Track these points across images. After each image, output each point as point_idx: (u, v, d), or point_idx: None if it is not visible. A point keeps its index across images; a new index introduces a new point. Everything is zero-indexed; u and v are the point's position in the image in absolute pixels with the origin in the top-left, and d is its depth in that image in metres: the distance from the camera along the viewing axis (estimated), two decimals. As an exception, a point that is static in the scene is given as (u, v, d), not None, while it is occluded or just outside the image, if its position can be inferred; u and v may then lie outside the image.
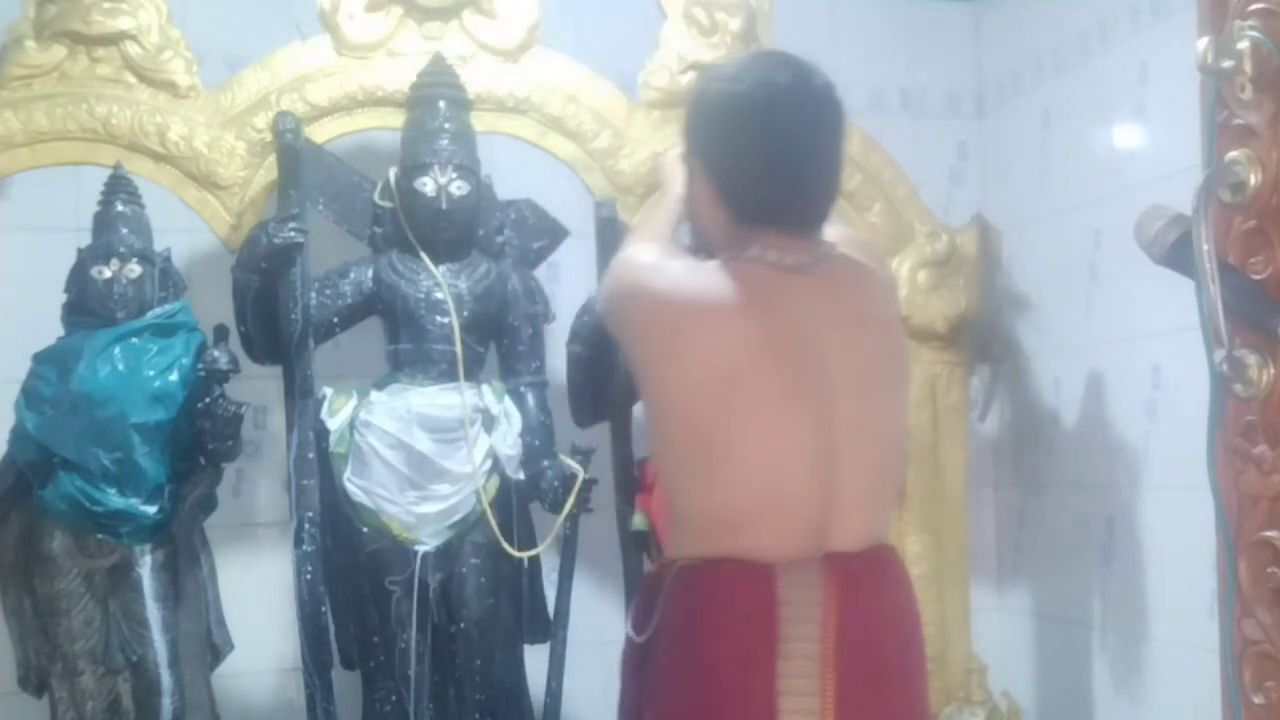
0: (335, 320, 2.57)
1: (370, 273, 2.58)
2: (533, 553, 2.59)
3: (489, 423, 2.54)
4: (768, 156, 1.52)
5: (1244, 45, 1.37)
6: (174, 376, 2.46)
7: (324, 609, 2.45)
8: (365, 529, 2.49)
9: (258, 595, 2.76)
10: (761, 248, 1.53)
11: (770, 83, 1.52)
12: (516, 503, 2.58)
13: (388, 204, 2.60)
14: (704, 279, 1.53)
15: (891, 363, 1.63)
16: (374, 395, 2.53)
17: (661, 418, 1.56)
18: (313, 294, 2.49)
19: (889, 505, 1.66)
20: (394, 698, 2.51)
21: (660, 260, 1.58)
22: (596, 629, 2.82)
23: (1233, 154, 1.40)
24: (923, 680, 1.63)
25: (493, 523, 2.50)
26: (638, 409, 2.65)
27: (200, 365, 2.46)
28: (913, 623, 1.61)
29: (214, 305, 2.53)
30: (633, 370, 1.60)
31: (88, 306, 2.49)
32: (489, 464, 2.53)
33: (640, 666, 1.59)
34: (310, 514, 2.43)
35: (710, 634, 1.51)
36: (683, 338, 1.50)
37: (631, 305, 1.58)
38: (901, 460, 1.69)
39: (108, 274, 2.48)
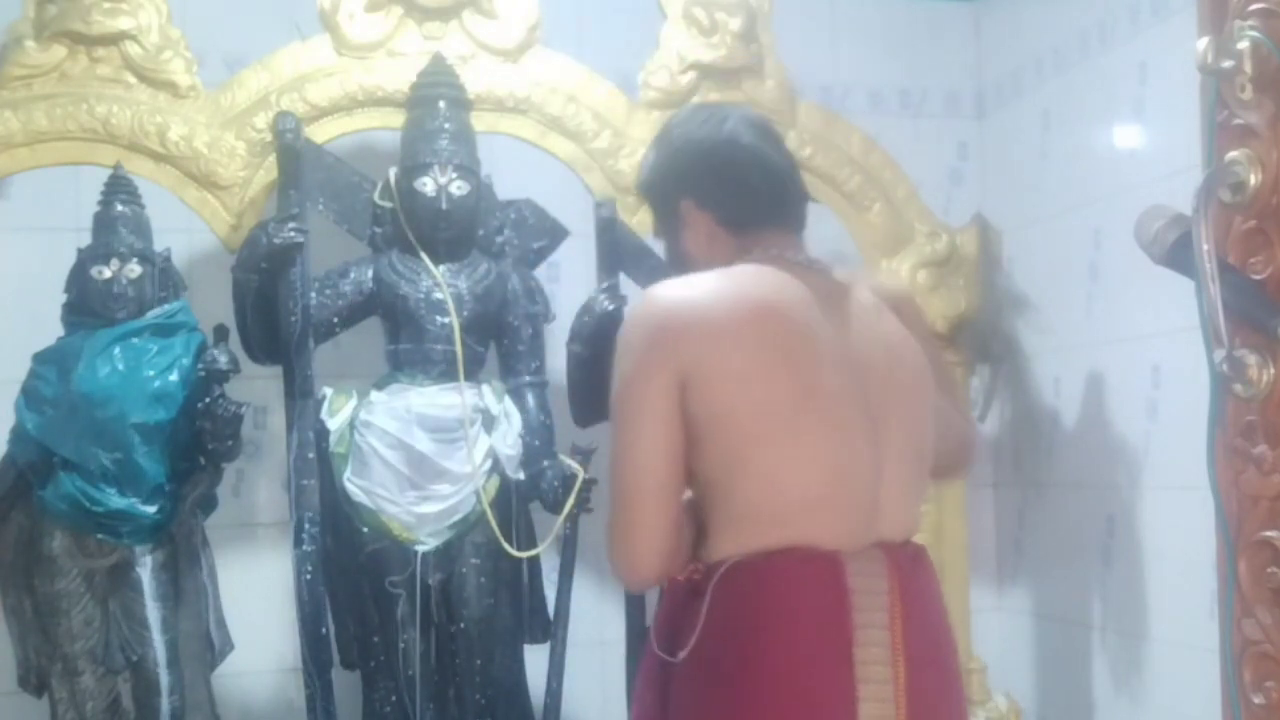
0: (335, 320, 2.57)
1: (370, 273, 2.58)
2: (533, 553, 2.59)
3: (489, 423, 2.54)
4: (756, 159, 1.63)
5: (1244, 45, 1.37)
6: (174, 376, 2.46)
7: (324, 609, 2.45)
8: (365, 529, 2.49)
9: (258, 595, 2.76)
10: (765, 248, 1.60)
11: (728, 114, 1.68)
12: (516, 503, 2.58)
13: (388, 204, 2.60)
14: (740, 279, 1.56)
15: (909, 350, 1.65)
16: (374, 395, 2.53)
17: (710, 416, 1.49)
18: (313, 294, 2.50)
19: (922, 499, 1.63)
20: (394, 698, 2.52)
21: (688, 281, 1.58)
22: (596, 629, 2.82)
23: (1233, 154, 1.40)
24: (955, 655, 1.63)
25: (493, 523, 2.50)
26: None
27: (200, 365, 2.46)
28: (947, 614, 1.62)
29: (214, 305, 2.53)
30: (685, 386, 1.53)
31: (88, 306, 2.49)
32: (489, 464, 2.53)
33: (668, 684, 1.51)
34: (310, 514, 2.43)
35: (781, 624, 1.46)
36: (736, 334, 1.50)
37: (676, 323, 1.52)
38: (929, 449, 1.63)
39: (108, 274, 2.48)
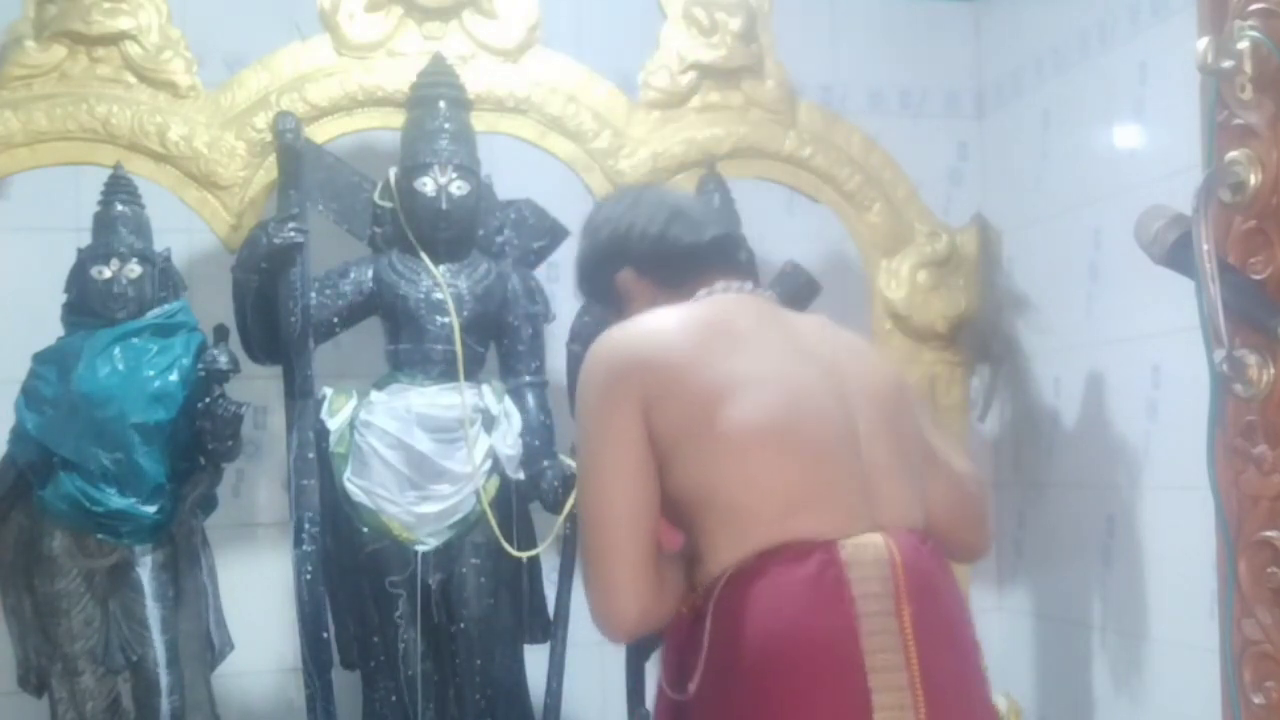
0: (335, 320, 2.57)
1: (370, 273, 2.58)
2: (533, 553, 2.59)
3: (489, 423, 2.54)
4: (675, 214, 1.72)
5: (1244, 45, 1.37)
6: (174, 376, 2.46)
7: (324, 609, 2.45)
8: (365, 529, 2.49)
9: (258, 595, 2.76)
10: (708, 288, 1.65)
11: (641, 189, 1.94)
12: (516, 503, 2.58)
13: (388, 204, 2.61)
14: (690, 306, 1.62)
15: (874, 356, 1.69)
16: (374, 395, 2.53)
17: (679, 432, 1.50)
18: (313, 294, 2.50)
19: (917, 491, 1.60)
20: (394, 698, 2.52)
21: (640, 317, 1.62)
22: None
23: (1233, 154, 1.40)
24: (977, 647, 1.62)
25: (493, 523, 2.50)
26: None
27: (200, 365, 2.46)
28: (959, 592, 1.60)
29: (214, 305, 2.53)
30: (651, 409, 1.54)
31: (88, 306, 2.49)
32: (489, 464, 2.53)
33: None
34: (310, 514, 2.43)
35: (781, 623, 1.43)
36: (692, 348, 1.53)
37: (633, 351, 1.56)
38: (917, 444, 1.62)
39: (108, 274, 2.48)
